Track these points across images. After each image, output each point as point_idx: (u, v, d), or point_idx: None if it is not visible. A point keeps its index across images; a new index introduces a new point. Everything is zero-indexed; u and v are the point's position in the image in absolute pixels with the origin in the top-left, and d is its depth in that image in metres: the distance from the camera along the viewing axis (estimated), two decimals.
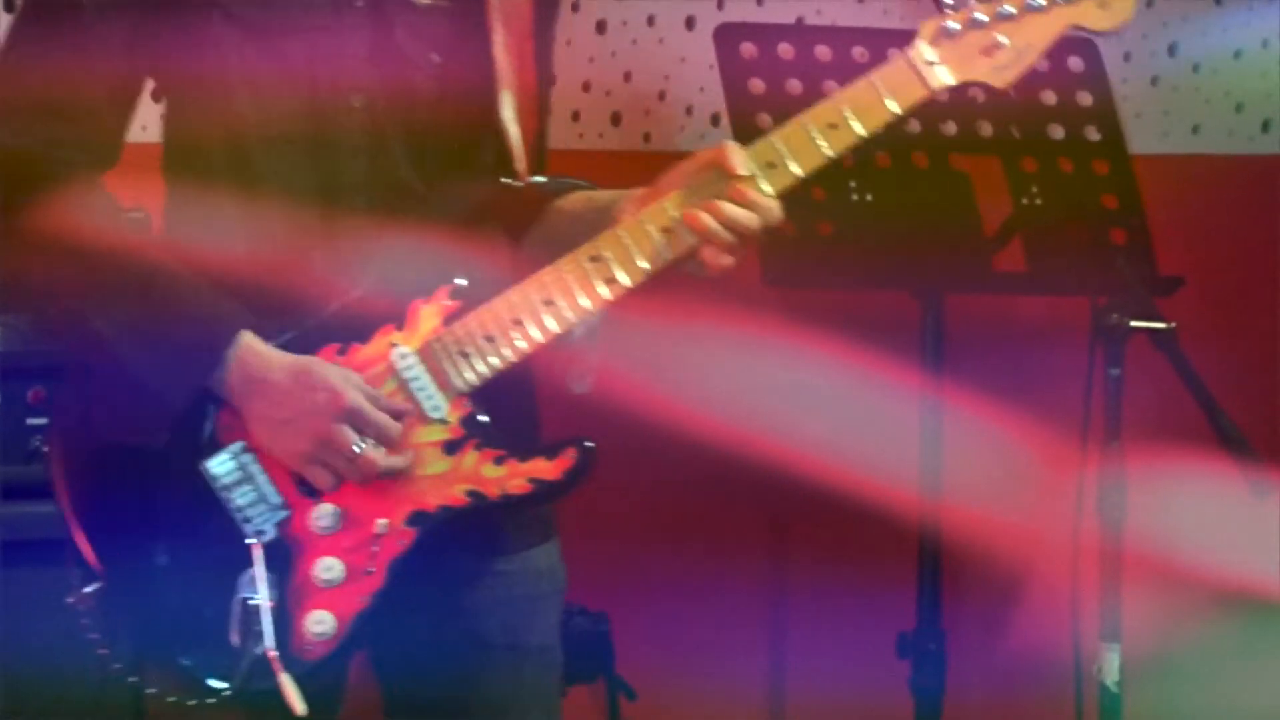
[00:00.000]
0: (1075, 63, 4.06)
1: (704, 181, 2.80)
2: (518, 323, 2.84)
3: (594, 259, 2.82)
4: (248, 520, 2.81)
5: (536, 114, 2.99)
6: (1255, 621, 4.62)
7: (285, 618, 2.81)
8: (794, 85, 3.93)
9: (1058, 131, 4.05)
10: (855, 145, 2.84)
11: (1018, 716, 4.56)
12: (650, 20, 4.57)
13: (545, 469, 2.86)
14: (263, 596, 2.78)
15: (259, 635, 2.77)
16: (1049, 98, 4.04)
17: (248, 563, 2.80)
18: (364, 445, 2.81)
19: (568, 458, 2.85)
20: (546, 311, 2.84)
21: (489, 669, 2.99)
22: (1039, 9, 2.88)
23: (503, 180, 2.94)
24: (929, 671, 4.20)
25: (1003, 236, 4.06)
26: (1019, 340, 4.38)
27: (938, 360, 4.17)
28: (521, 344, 2.84)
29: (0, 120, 2.89)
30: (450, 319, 2.85)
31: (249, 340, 2.83)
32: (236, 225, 2.91)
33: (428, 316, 2.86)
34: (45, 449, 2.93)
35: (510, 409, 2.90)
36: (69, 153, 2.91)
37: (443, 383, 2.85)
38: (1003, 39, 2.87)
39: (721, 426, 4.37)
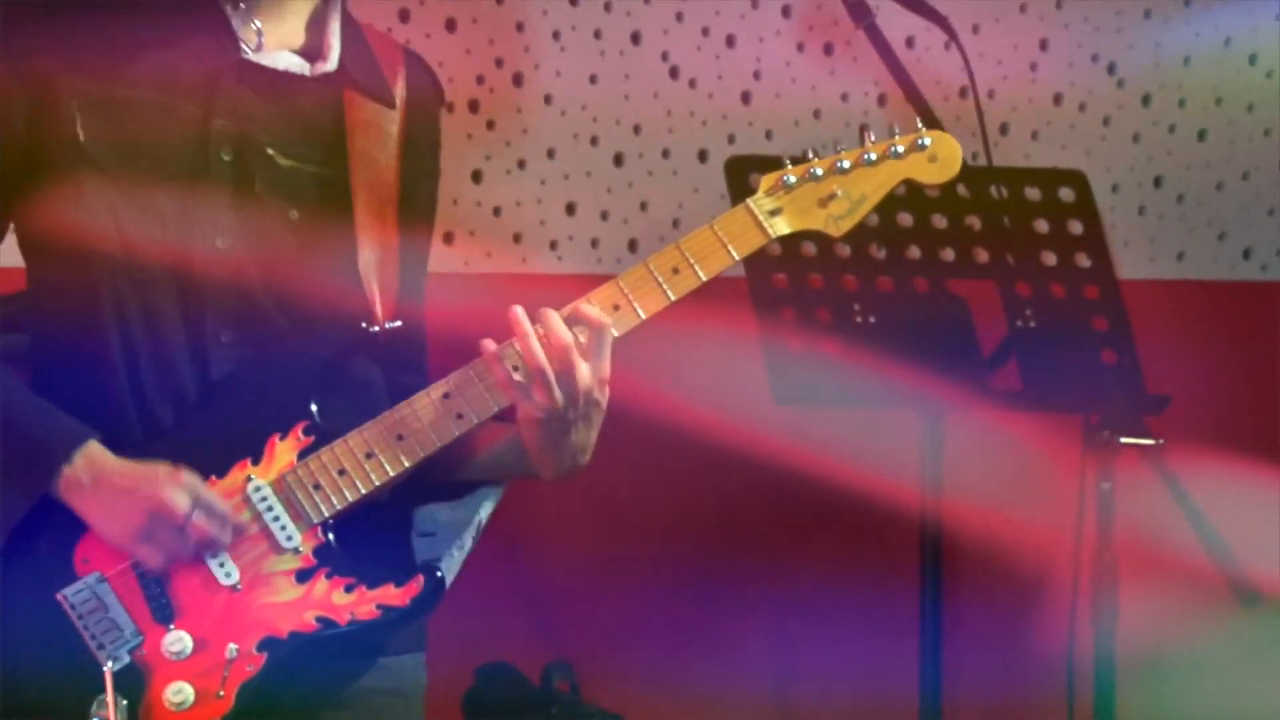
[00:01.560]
0: (1066, 194, 4.04)
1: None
2: (370, 456, 2.83)
3: (445, 396, 2.81)
4: (101, 647, 2.80)
5: (398, 268, 2.97)
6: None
7: None
8: None
9: (1050, 258, 4.03)
10: (696, 289, 2.82)
11: None
12: (665, 153, 4.59)
13: (393, 595, 2.84)
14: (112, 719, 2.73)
15: None
16: (1041, 226, 4.04)
17: (100, 688, 2.73)
18: (194, 516, 2.77)
19: (415, 585, 2.84)
20: (398, 446, 2.84)
21: None
22: (871, 164, 2.89)
23: (361, 325, 2.90)
24: None
25: (999, 357, 4.06)
26: (1015, 455, 4.35)
27: (937, 474, 4.14)
28: (374, 478, 2.84)
29: None
30: (305, 453, 2.83)
31: (95, 448, 2.82)
32: (101, 356, 2.89)
33: (284, 451, 2.85)
34: None
35: (367, 537, 2.88)
36: None
37: (296, 515, 2.83)
38: (838, 191, 2.87)
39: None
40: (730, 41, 4.59)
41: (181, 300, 2.87)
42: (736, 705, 4.60)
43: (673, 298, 2.82)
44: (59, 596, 2.80)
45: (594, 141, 4.55)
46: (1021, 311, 4.03)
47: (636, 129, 4.60)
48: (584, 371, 2.77)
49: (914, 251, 3.97)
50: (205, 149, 2.88)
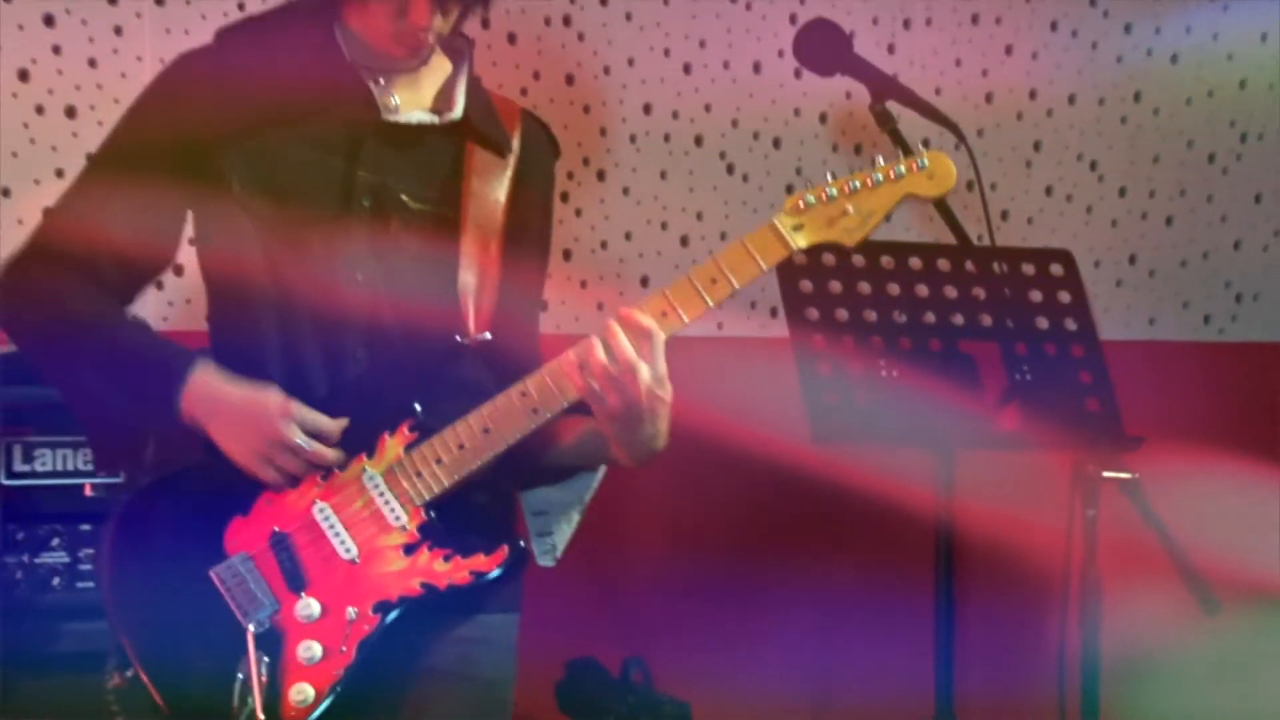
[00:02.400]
0: (1056, 269, 4.05)
1: None
2: (461, 447, 2.83)
3: (523, 394, 2.82)
4: (246, 614, 2.83)
5: (496, 295, 2.94)
6: None
7: (275, 689, 2.82)
8: (835, 285, 3.90)
9: (1043, 323, 4.04)
10: (730, 295, 2.81)
11: None
12: (723, 235, 4.59)
13: (483, 563, 2.85)
14: (258, 674, 2.79)
15: (249, 708, 2.79)
16: (1036, 296, 4.04)
17: (244, 645, 2.81)
18: (308, 442, 2.81)
19: (501, 554, 2.85)
20: (484, 439, 2.83)
21: (436, 699, 2.93)
22: (878, 184, 2.86)
23: (455, 338, 2.90)
24: None
25: (1001, 404, 4.02)
26: (1014, 486, 4.33)
27: (949, 500, 4.11)
28: (466, 466, 2.84)
29: (44, 258, 2.90)
30: (410, 447, 2.84)
31: (206, 367, 2.84)
32: (259, 367, 2.88)
33: (392, 445, 2.85)
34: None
35: (464, 514, 2.88)
36: (96, 291, 2.91)
37: (403, 498, 2.84)
38: (850, 208, 2.84)
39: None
40: (777, 144, 4.64)
41: (323, 323, 2.88)
42: (780, 691, 4.58)
43: (711, 304, 2.81)
44: (211, 573, 2.84)
45: (664, 226, 4.58)
46: (1019, 367, 4.00)
47: (699, 215, 4.62)
48: (644, 373, 2.75)
49: (929, 317, 3.98)
50: (350, 197, 2.89)
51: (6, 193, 4.02)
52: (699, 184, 4.60)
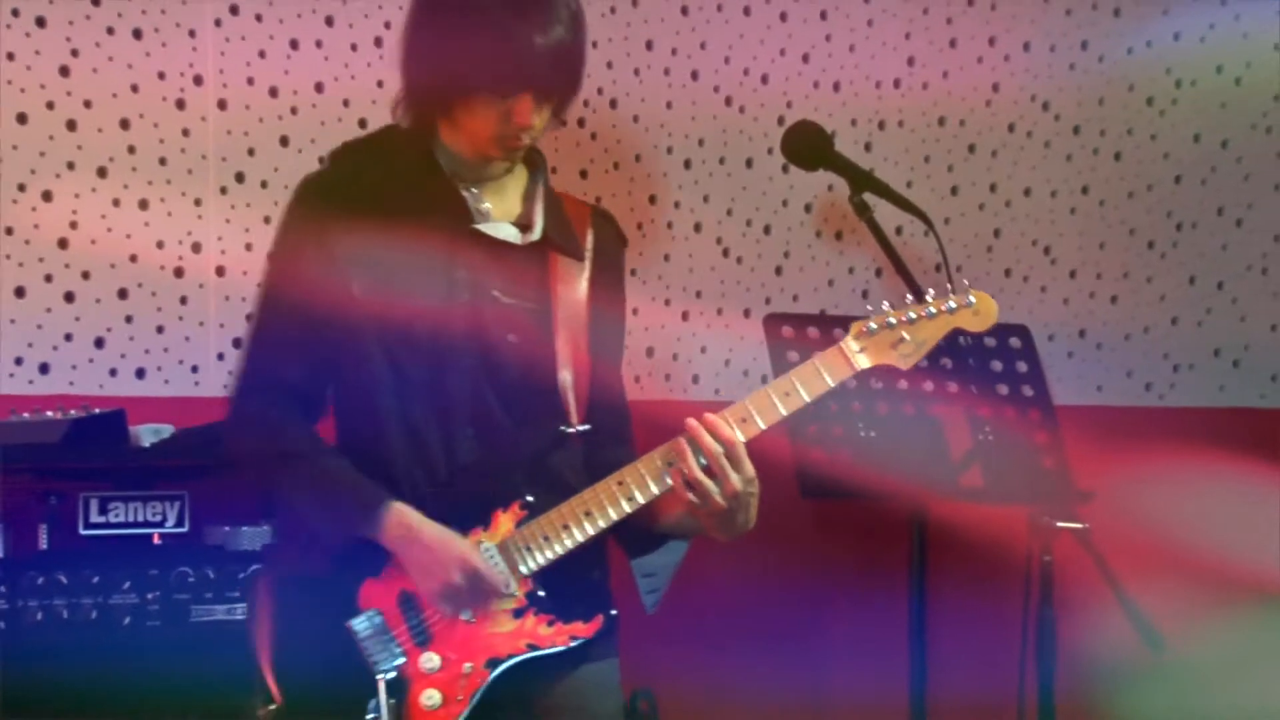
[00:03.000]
0: (1014, 342, 4.07)
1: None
2: (566, 527, 2.89)
3: (619, 483, 2.88)
4: (376, 662, 2.87)
5: (589, 383, 3.00)
6: None
7: None
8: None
9: (1003, 389, 4.05)
10: (801, 408, 2.88)
11: None
12: (719, 311, 4.56)
13: (581, 629, 2.91)
14: (385, 715, 2.84)
15: None
16: (997, 366, 4.06)
17: (374, 691, 2.86)
18: (468, 589, 2.86)
19: (597, 622, 2.92)
20: (585, 520, 2.89)
21: None
22: (931, 316, 2.95)
23: (561, 427, 2.97)
24: None
25: (966, 462, 4.06)
26: (978, 534, 4.29)
27: (922, 553, 4.12)
28: (568, 542, 2.89)
29: (258, 394, 2.97)
30: (520, 524, 2.90)
31: (404, 507, 2.88)
32: (383, 443, 2.93)
33: (505, 521, 2.91)
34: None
35: (566, 584, 2.93)
36: (294, 411, 2.97)
37: (513, 568, 2.89)
38: (906, 336, 2.93)
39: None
40: (767, 230, 4.65)
41: (437, 406, 2.92)
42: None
43: (784, 414, 2.88)
44: (348, 625, 2.89)
45: (667, 303, 4.55)
46: (982, 428, 4.02)
47: (698, 294, 4.60)
48: (733, 479, 2.82)
49: (903, 384, 3.99)
50: (451, 294, 2.92)
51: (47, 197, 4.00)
52: (698, 266, 4.61)
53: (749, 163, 4.59)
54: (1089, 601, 4.01)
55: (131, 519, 3.58)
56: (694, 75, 4.53)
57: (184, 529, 3.59)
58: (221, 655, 3.49)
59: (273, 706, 2.90)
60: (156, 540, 3.59)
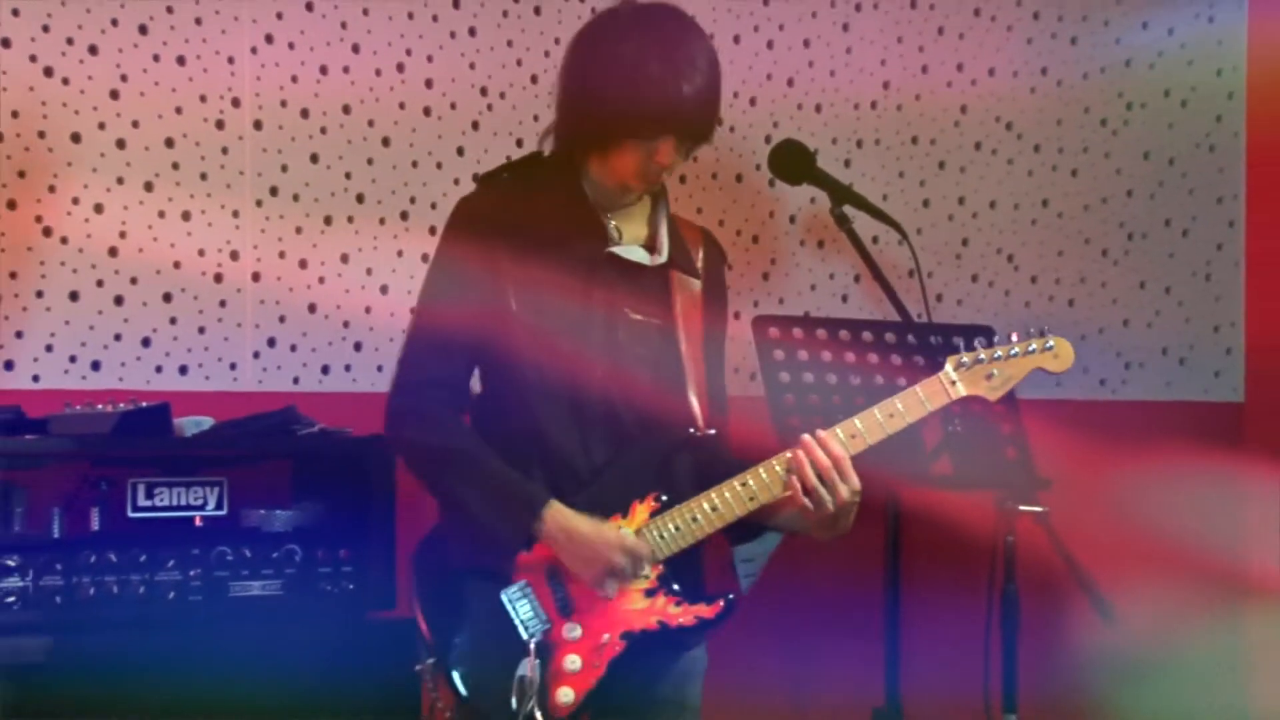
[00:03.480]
0: (980, 341, 3.76)
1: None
2: (694, 520, 3.00)
3: (743, 485, 2.98)
4: (525, 627, 2.96)
5: (707, 393, 3.10)
6: None
7: (544, 690, 2.95)
8: (802, 354, 3.89)
9: None
10: (905, 428, 3.02)
11: None
12: None
13: (705, 611, 3.01)
14: (533, 675, 2.92)
15: (529, 700, 2.92)
16: None
17: (524, 653, 2.94)
18: (629, 570, 2.96)
19: (720, 604, 3.01)
20: (713, 514, 2.98)
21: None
22: (1015, 356, 3.08)
23: (690, 431, 3.07)
24: None
25: (936, 452, 4.04)
26: (947, 518, 4.29)
27: (897, 533, 4.15)
28: (697, 533, 3.00)
29: (421, 391, 3.03)
30: (654, 514, 3.00)
31: (559, 505, 2.96)
32: (528, 444, 3.03)
33: (641, 512, 3.00)
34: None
35: (693, 569, 3.05)
36: (450, 407, 3.05)
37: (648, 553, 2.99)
38: (995, 371, 3.07)
39: None
40: (755, 239, 4.61)
41: (576, 414, 3.00)
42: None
43: (889, 432, 3.01)
44: (501, 595, 2.97)
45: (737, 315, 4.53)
46: (952, 420, 4.00)
47: None
48: (842, 489, 2.94)
49: (878, 380, 3.93)
50: (589, 310, 3.00)
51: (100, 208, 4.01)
52: None
53: (739, 178, 4.59)
54: (1048, 578, 4.02)
55: (175, 503, 3.58)
56: None
57: (223, 512, 3.59)
58: (257, 627, 3.52)
59: (430, 660, 2.96)
60: (198, 523, 3.60)
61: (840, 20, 4.65)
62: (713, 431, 3.07)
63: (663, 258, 3.07)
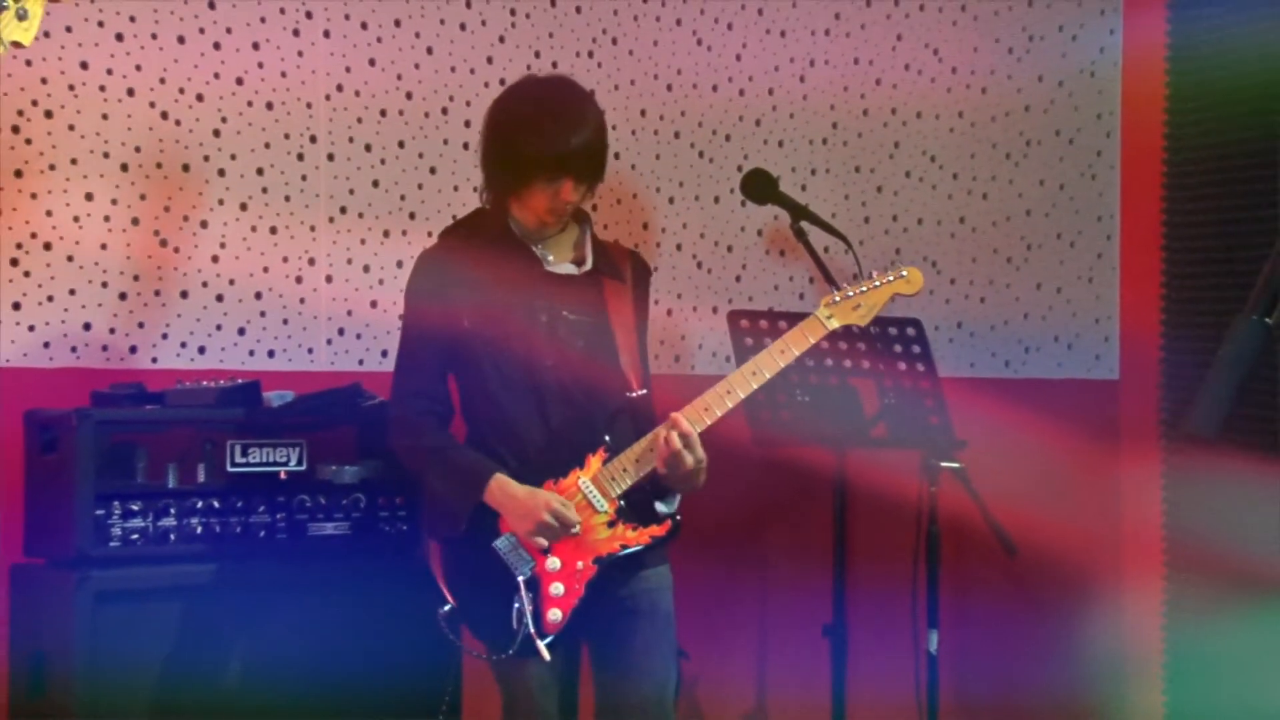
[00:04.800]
0: (911, 331, 4.01)
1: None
2: (636, 462, 3.02)
3: (657, 437, 3.02)
4: (516, 568, 2.98)
5: (639, 365, 3.13)
6: None
7: (537, 614, 2.96)
8: (767, 341, 3.67)
9: (902, 366, 4.01)
10: (791, 363, 3.01)
11: None
12: (694, 310, 4.51)
13: (656, 531, 3.04)
14: (526, 604, 2.93)
15: (525, 623, 2.93)
16: (898, 348, 4.00)
17: (517, 588, 2.97)
18: (557, 525, 2.97)
19: (667, 525, 3.04)
20: (636, 465, 3.01)
21: (640, 626, 3.10)
22: (876, 286, 3.09)
23: (626, 393, 3.09)
24: None
25: (875, 419, 4.05)
26: (882, 473, 4.26)
27: (844, 483, 4.10)
28: (633, 477, 3.01)
29: (405, 401, 3.08)
30: (606, 461, 3.02)
31: (502, 477, 2.99)
32: (495, 425, 3.07)
33: (594, 462, 3.02)
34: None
35: (640, 504, 3.07)
36: (429, 413, 3.09)
37: (604, 493, 3.01)
38: (861, 303, 3.08)
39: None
40: (730, 249, 4.60)
41: (534, 396, 3.04)
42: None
43: (781, 365, 3.06)
44: (493, 545, 2.99)
45: (655, 302, 4.39)
46: (887, 394, 4.01)
47: (679, 295, 4.52)
48: (688, 460, 2.98)
49: (829, 362, 3.97)
50: (533, 316, 3.05)
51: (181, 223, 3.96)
52: (679, 275, 4.56)
53: (716, 199, 4.57)
54: (963, 520, 3.99)
55: (264, 460, 3.56)
56: (676, 135, 4.50)
57: (302, 468, 3.57)
58: (330, 560, 3.51)
59: (448, 607, 2.97)
60: (282, 476, 3.58)
61: (798, 73, 4.63)
62: (645, 391, 3.08)
63: (588, 266, 3.10)
